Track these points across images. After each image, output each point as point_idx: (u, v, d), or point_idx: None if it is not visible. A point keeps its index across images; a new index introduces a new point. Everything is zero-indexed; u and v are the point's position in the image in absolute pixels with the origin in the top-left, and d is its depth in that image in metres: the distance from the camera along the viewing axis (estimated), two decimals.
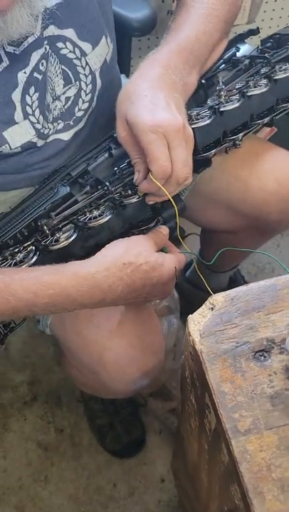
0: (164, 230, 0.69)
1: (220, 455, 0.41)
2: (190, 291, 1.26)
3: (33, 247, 0.64)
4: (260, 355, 0.40)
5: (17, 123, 0.66)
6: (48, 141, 0.72)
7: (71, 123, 0.73)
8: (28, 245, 0.65)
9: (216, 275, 1.17)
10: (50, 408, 1.21)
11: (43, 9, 0.61)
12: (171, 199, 0.64)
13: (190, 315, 0.45)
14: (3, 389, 1.24)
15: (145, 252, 0.62)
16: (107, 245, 0.63)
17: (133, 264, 0.61)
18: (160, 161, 0.59)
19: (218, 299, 0.44)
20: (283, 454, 0.37)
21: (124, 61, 1.05)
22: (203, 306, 0.44)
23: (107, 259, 0.61)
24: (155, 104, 0.60)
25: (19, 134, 0.67)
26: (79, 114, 0.74)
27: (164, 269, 0.63)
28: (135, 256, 0.62)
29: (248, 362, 0.40)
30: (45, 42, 0.65)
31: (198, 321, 0.43)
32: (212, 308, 0.43)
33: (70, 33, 0.68)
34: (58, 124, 0.72)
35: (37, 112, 0.67)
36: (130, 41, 1.03)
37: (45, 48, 0.65)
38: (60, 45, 0.67)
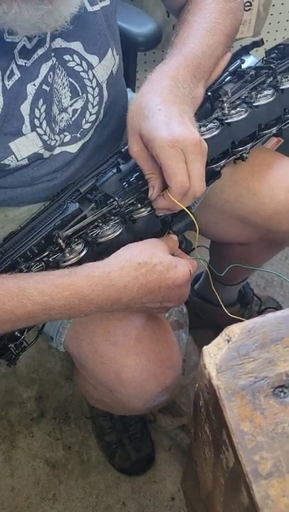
0: (174, 237, 0.69)
1: (239, 496, 0.39)
2: (199, 305, 1.25)
3: (43, 264, 0.63)
4: (280, 391, 0.39)
5: (24, 135, 0.66)
6: (54, 153, 0.72)
7: (78, 135, 0.73)
8: (38, 262, 0.64)
9: (226, 288, 1.16)
10: (58, 425, 1.19)
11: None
12: (190, 213, 0.64)
13: (205, 346, 0.43)
14: (11, 405, 1.22)
15: (159, 253, 0.62)
16: (121, 248, 0.63)
17: (148, 264, 0.61)
18: (179, 177, 0.59)
19: (234, 330, 0.42)
20: None
21: (129, 75, 1.05)
22: (218, 337, 0.43)
23: (121, 258, 0.61)
24: (170, 118, 0.59)
25: (26, 146, 0.67)
26: (86, 126, 0.73)
27: (179, 270, 0.63)
28: (150, 256, 0.61)
29: (267, 398, 0.38)
30: (53, 54, 0.65)
31: (214, 354, 0.41)
32: (228, 341, 0.41)
33: (77, 45, 0.68)
34: (65, 136, 0.72)
35: (44, 124, 0.67)
36: (136, 55, 1.02)
37: (52, 60, 0.65)
38: (67, 57, 0.67)
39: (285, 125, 0.80)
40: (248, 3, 1.23)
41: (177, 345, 0.77)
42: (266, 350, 0.41)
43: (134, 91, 0.97)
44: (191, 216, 0.65)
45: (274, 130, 0.78)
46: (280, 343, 0.41)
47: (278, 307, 1.33)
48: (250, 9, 1.23)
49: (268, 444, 0.37)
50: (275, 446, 0.36)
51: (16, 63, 0.62)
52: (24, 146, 0.67)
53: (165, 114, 0.60)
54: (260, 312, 1.30)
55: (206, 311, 1.22)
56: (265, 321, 0.42)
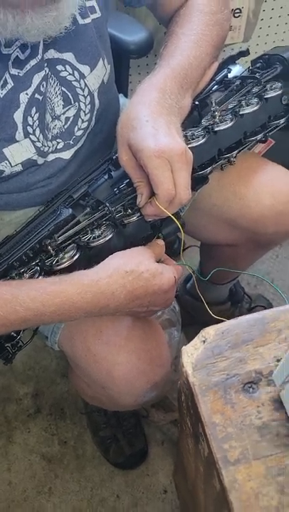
0: (160, 242, 0.72)
1: (212, 481, 0.43)
2: (191, 303, 1.28)
3: (38, 268, 0.67)
4: (249, 387, 0.42)
5: (18, 141, 0.69)
6: (48, 160, 0.74)
7: (71, 142, 0.76)
8: (33, 265, 0.67)
9: (217, 287, 1.19)
10: (53, 420, 1.23)
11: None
12: (175, 219, 0.67)
13: (184, 346, 0.47)
14: (8, 401, 1.26)
15: (146, 261, 0.65)
16: (109, 256, 0.66)
17: (135, 272, 0.64)
18: (165, 185, 0.62)
19: (210, 332, 0.46)
20: (270, 482, 0.39)
21: (122, 81, 1.07)
22: (195, 338, 0.46)
23: (109, 267, 0.64)
24: (157, 129, 0.62)
25: (20, 152, 0.70)
26: (78, 133, 0.76)
27: (164, 277, 0.66)
28: (136, 264, 0.65)
29: (237, 394, 0.42)
30: (45, 64, 0.68)
31: (191, 353, 0.45)
32: (204, 341, 0.45)
33: (69, 56, 0.70)
34: (58, 143, 0.74)
35: (37, 131, 0.70)
36: (128, 62, 1.05)
37: (45, 70, 0.68)
38: (59, 67, 0.70)
39: (269, 132, 0.84)
40: (238, 10, 1.26)
41: (166, 343, 0.80)
42: (238, 350, 0.44)
43: (126, 96, 1.00)
44: (177, 222, 0.69)
45: (259, 137, 0.82)
46: (250, 343, 0.45)
47: (268, 305, 1.36)
48: (239, 16, 1.26)
49: (236, 434, 0.40)
50: (243, 436, 0.40)
51: (9, 73, 0.64)
52: (18, 153, 0.70)
53: (152, 125, 0.63)
54: (250, 310, 1.33)
55: (197, 309, 1.26)
56: (238, 323, 0.46)
